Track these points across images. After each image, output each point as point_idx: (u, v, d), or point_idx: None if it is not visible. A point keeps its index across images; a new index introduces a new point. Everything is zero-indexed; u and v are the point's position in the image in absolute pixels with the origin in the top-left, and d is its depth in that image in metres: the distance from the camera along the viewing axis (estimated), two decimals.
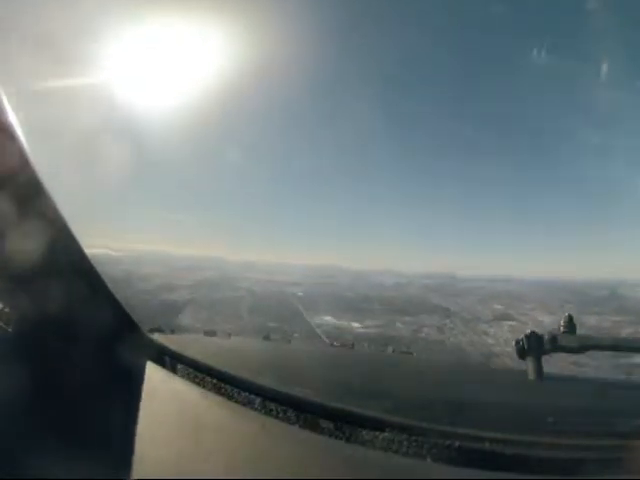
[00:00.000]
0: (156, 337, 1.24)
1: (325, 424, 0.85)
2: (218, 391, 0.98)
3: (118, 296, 1.13)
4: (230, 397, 0.96)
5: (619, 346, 1.41)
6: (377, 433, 0.82)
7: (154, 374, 1.08)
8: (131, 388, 1.03)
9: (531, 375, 1.34)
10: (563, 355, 1.41)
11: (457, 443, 0.78)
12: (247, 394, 0.95)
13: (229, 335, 1.94)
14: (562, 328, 1.39)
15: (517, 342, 1.38)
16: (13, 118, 0.85)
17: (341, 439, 0.83)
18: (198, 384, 1.02)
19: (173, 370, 1.08)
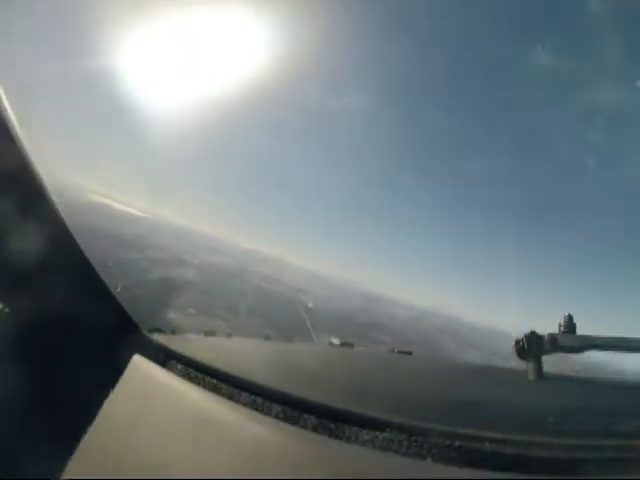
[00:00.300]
0: (156, 337, 1.24)
1: (325, 424, 0.85)
2: (218, 391, 0.98)
3: (117, 296, 1.13)
4: (230, 397, 0.96)
5: (619, 346, 1.41)
6: (377, 433, 0.82)
7: (154, 374, 1.08)
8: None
9: (531, 375, 1.34)
10: (563, 355, 1.41)
11: (457, 443, 0.78)
12: (247, 394, 0.95)
13: (229, 335, 1.94)
14: (562, 328, 1.40)
15: (517, 342, 1.38)
16: (13, 117, 0.84)
17: (341, 439, 0.82)
18: (198, 384, 1.02)
19: (173, 370, 1.08)
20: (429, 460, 0.77)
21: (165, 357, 1.11)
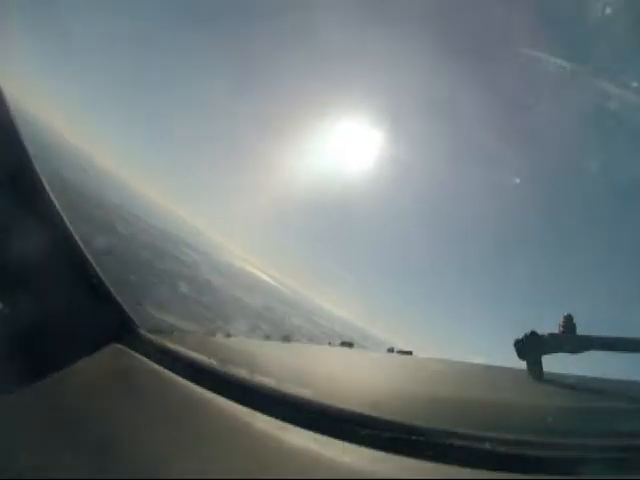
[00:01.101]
0: (156, 337, 1.24)
1: (325, 424, 0.85)
2: (218, 391, 0.98)
3: (119, 297, 1.13)
4: (230, 397, 0.96)
5: (619, 346, 1.41)
6: (377, 433, 0.82)
7: (154, 374, 1.08)
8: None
9: (531, 375, 1.34)
10: (563, 355, 1.41)
11: (457, 443, 0.78)
12: (247, 393, 0.95)
13: (229, 335, 1.94)
14: (562, 328, 1.40)
15: (517, 342, 1.39)
16: (14, 117, 0.85)
17: (341, 439, 0.83)
18: (198, 384, 1.02)
19: (173, 370, 1.08)
20: (429, 460, 0.77)
21: (165, 357, 1.11)
